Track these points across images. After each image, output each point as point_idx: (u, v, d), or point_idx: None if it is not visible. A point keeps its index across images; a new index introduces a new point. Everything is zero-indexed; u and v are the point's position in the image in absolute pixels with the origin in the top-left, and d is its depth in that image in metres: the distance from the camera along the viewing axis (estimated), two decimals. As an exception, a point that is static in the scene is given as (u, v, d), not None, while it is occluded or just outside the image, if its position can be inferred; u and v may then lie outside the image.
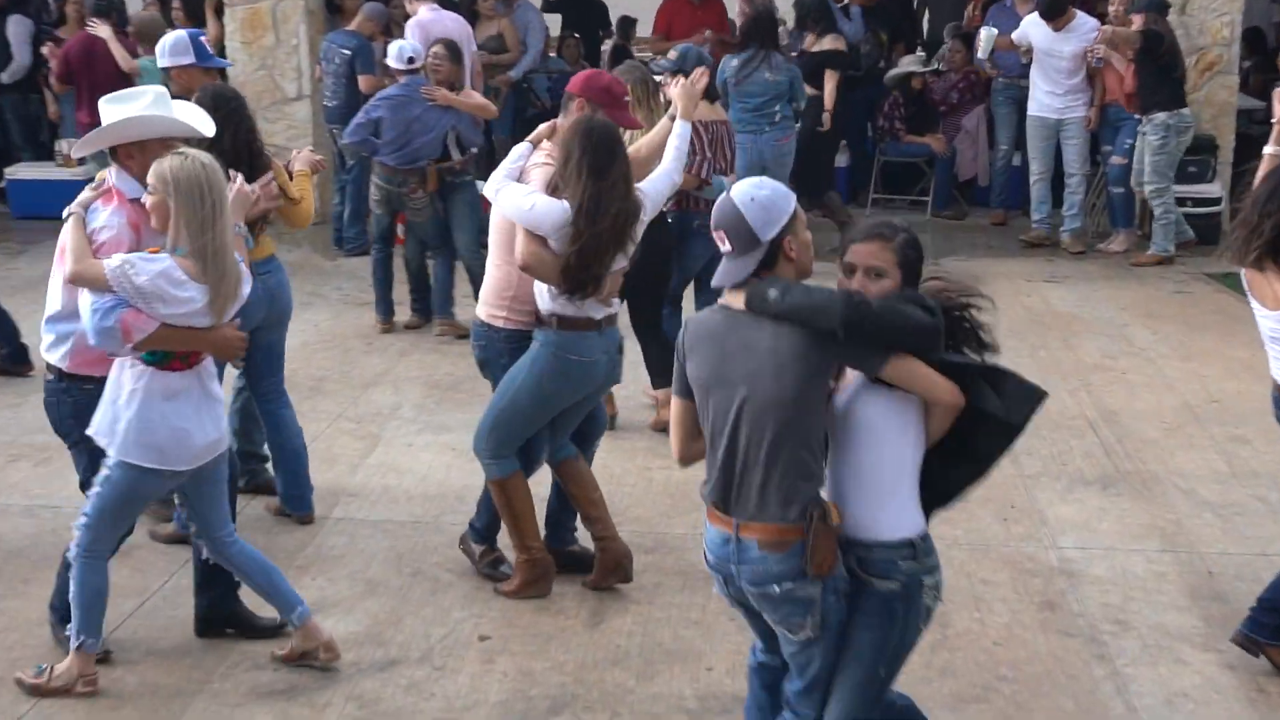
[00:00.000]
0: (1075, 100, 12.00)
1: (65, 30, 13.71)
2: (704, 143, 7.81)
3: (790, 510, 3.98)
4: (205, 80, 6.88)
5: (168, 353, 5.00)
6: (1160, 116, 11.41)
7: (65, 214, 5.15)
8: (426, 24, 11.59)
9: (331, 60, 11.67)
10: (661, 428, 7.44)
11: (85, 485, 5.38)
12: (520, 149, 5.90)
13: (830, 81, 12.05)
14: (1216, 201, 12.12)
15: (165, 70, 7.12)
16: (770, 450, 3.98)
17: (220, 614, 5.69)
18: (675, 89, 6.14)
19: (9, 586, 6.16)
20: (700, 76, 6.30)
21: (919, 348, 3.91)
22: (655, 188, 5.82)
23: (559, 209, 5.46)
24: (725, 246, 4.08)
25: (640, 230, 5.69)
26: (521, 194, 5.59)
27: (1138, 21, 11.56)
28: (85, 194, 5.23)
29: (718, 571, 4.17)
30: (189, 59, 6.98)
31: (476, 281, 8.94)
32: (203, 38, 7.15)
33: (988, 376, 4.04)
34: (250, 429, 6.97)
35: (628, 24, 15.96)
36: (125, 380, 5.04)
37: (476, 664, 5.49)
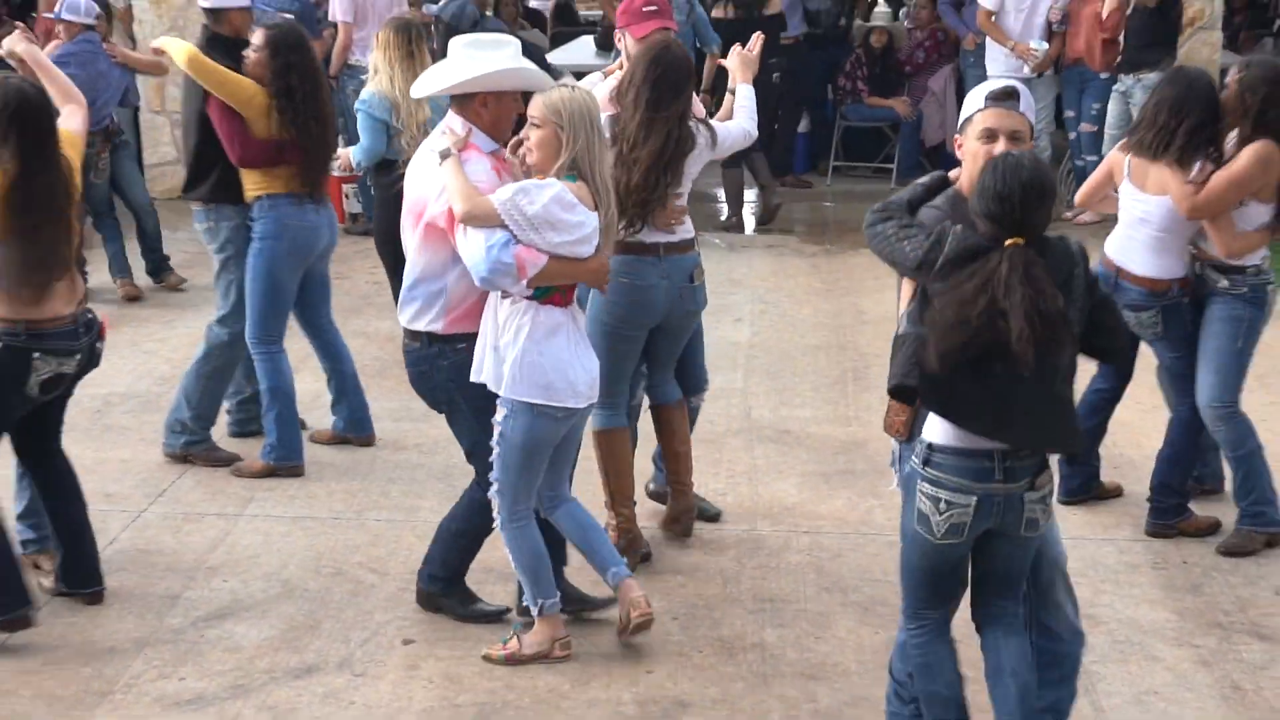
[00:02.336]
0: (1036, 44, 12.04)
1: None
2: None
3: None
4: (248, 19, 7.60)
5: (550, 287, 5.24)
6: (1151, 78, 11.03)
7: (440, 157, 5.30)
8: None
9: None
10: None
11: (472, 453, 5.68)
12: (593, 77, 6.63)
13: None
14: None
15: (215, 11, 7.51)
16: None
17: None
18: (734, 59, 6.60)
19: None
20: (756, 42, 6.74)
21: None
22: (729, 132, 6.34)
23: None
24: None
25: (694, 164, 6.16)
26: None
27: None
28: (444, 140, 5.38)
29: None
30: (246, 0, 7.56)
31: (152, 235, 10.45)
32: None
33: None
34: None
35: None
36: (504, 321, 5.30)
37: (400, 670, 5.50)
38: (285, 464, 7.27)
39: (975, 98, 4.61)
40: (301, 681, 5.43)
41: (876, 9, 14.38)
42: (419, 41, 7.93)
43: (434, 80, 5.61)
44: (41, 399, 5.70)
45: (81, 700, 5.29)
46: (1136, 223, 6.40)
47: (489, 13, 14.42)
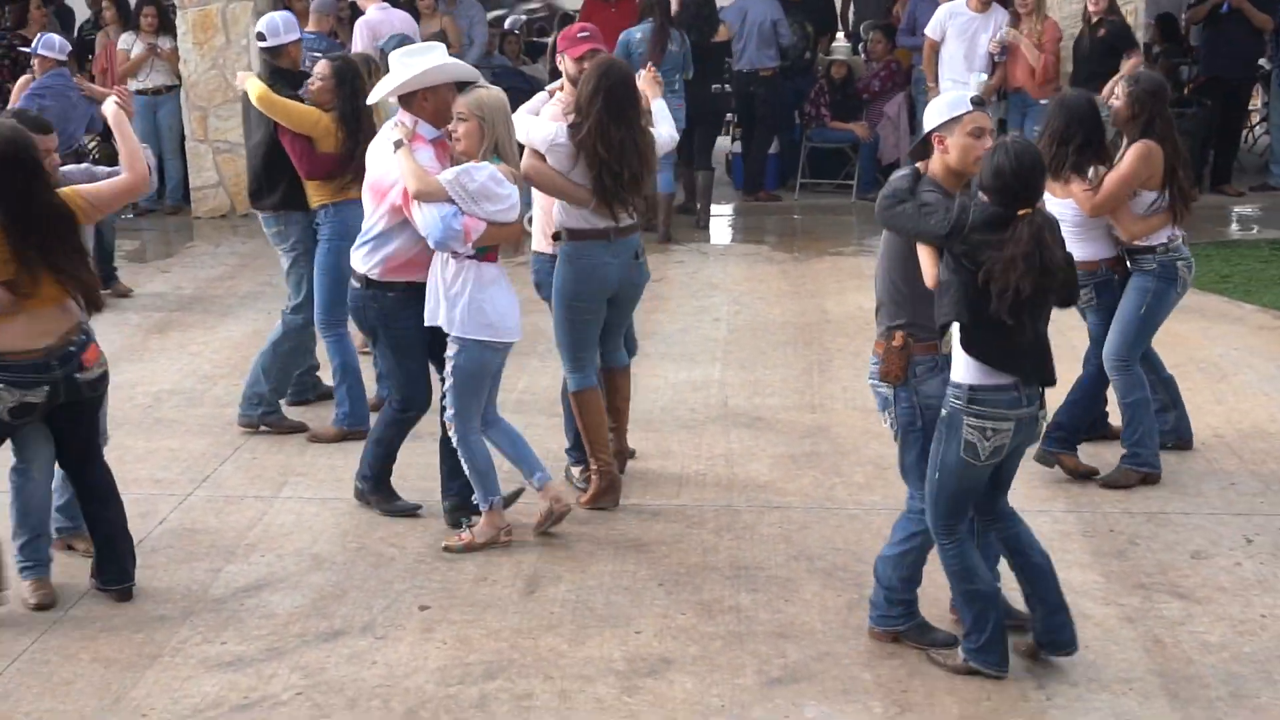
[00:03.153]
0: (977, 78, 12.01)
1: (28, 31, 13.56)
2: None
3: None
4: (300, 51, 8.05)
5: (485, 247, 5.94)
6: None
7: (394, 146, 5.97)
8: (375, 24, 11.52)
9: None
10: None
11: (383, 375, 7.00)
12: (539, 96, 6.80)
13: None
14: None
15: (272, 49, 7.82)
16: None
17: (468, 502, 6.35)
18: (644, 78, 6.79)
19: None
20: (651, 70, 7.08)
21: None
22: (659, 135, 6.62)
23: (549, 129, 6.28)
24: None
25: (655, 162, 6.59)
26: (523, 121, 6.37)
27: (1097, 6, 11.71)
28: (394, 132, 6.03)
29: None
30: (297, 35, 7.94)
31: (108, 248, 10.45)
32: None
33: None
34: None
35: (567, 21, 15.90)
36: (451, 277, 5.97)
37: (416, 633, 5.48)
38: (356, 429, 7.44)
39: (956, 104, 5.04)
40: (329, 644, 5.41)
41: (836, 44, 14.39)
42: (368, 73, 7.89)
43: (382, 88, 6.33)
44: (16, 424, 5.51)
45: (134, 663, 5.27)
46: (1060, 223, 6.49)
47: (496, 50, 14.53)
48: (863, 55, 14.32)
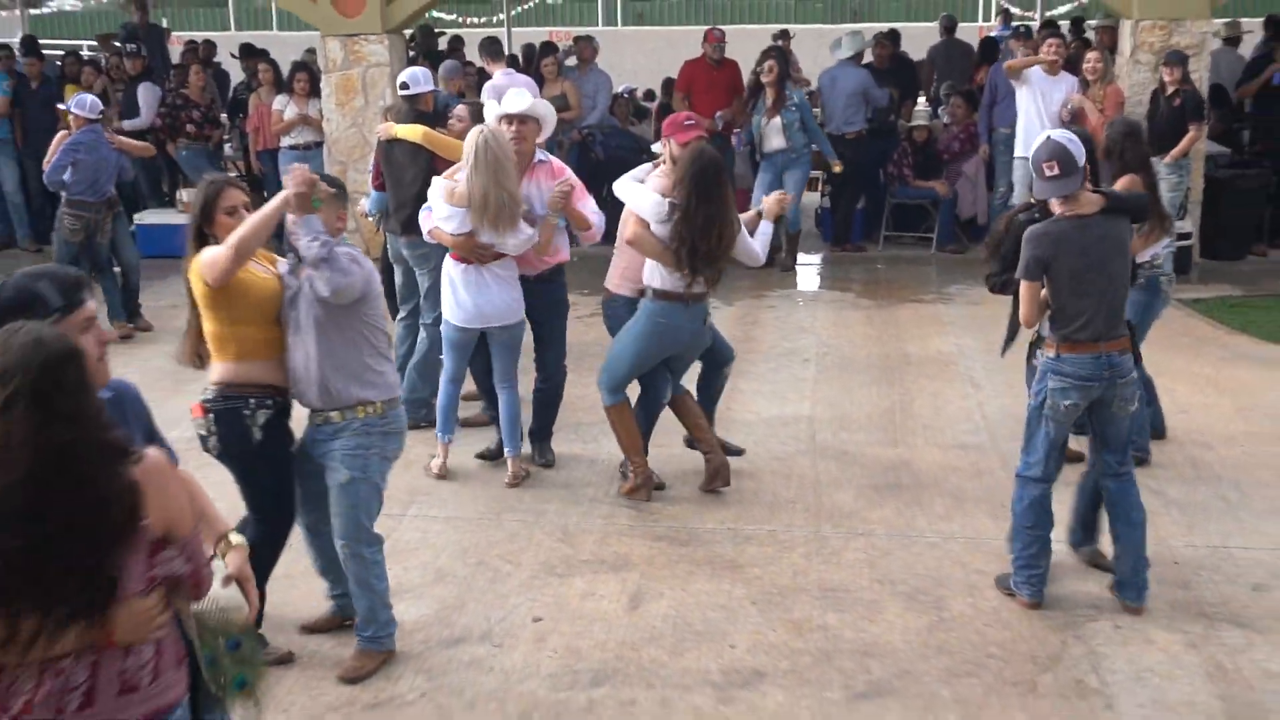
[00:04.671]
0: None
1: (190, 91, 13.87)
2: None
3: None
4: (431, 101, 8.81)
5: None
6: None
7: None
8: (500, 86, 11.63)
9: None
10: None
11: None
12: (644, 166, 7.05)
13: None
14: (1188, 236, 12.00)
15: (413, 96, 8.60)
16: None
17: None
18: (772, 199, 6.97)
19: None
20: (789, 198, 7.27)
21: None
22: (747, 243, 6.74)
23: (654, 200, 6.52)
24: (1054, 171, 5.41)
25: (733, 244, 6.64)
26: (634, 189, 6.69)
27: (1173, 76, 11.57)
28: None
29: (1091, 382, 5.54)
30: (432, 86, 8.82)
31: (134, 288, 10.81)
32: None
33: None
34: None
35: (669, 84, 15.99)
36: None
37: (530, 643, 5.49)
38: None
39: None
40: (451, 651, 5.44)
41: (918, 108, 14.30)
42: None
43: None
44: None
45: (273, 666, 5.33)
46: None
47: (609, 113, 14.61)
48: (945, 118, 14.21)
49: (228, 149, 14.79)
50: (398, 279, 8.54)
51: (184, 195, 13.79)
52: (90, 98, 10.50)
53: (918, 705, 5.00)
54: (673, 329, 6.74)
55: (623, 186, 6.79)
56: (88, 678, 2.98)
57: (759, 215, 6.91)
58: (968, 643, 5.47)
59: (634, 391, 7.11)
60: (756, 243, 6.82)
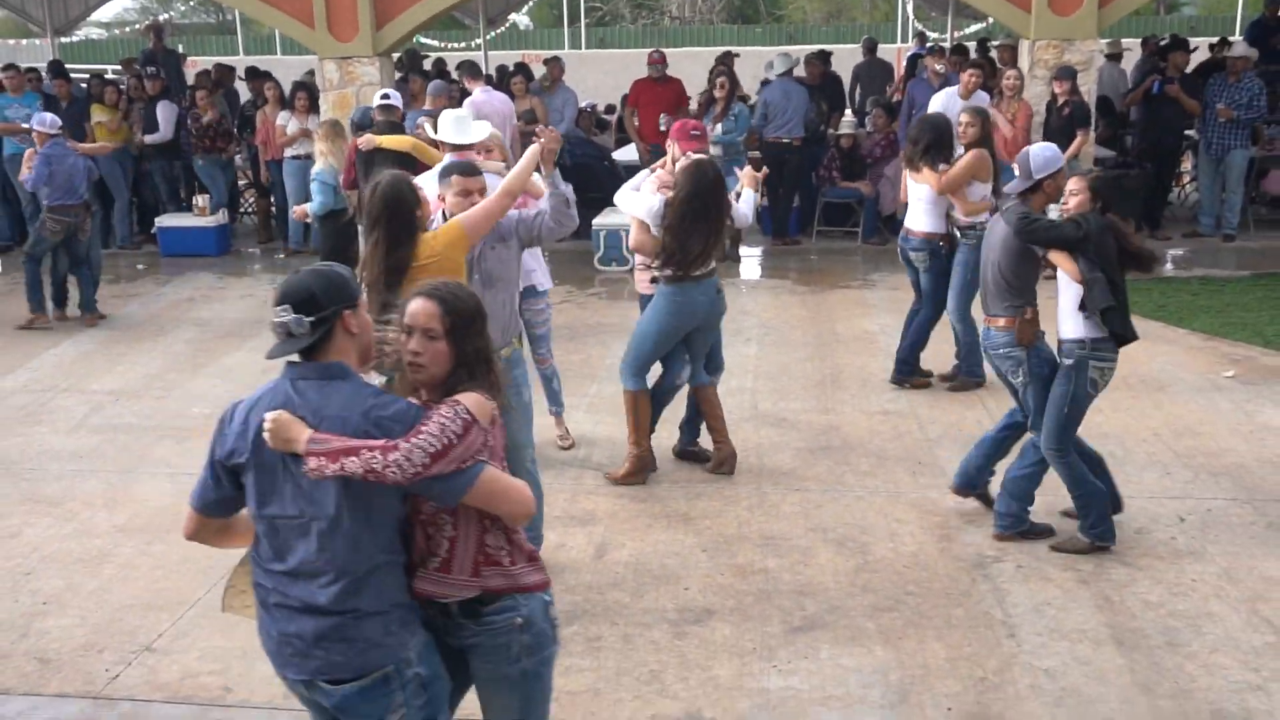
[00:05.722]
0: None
1: (201, 108, 13.74)
2: None
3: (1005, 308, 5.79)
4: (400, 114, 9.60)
5: None
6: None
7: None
8: (480, 103, 11.63)
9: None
10: None
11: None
12: (642, 174, 6.80)
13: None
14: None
15: (391, 108, 9.39)
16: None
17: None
18: (747, 175, 6.92)
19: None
20: (762, 173, 7.14)
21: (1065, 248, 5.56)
22: (743, 214, 6.68)
23: (652, 202, 6.37)
24: (1017, 173, 5.78)
25: (726, 238, 6.50)
26: (632, 198, 6.53)
27: (1063, 89, 11.65)
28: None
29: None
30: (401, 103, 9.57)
31: (95, 283, 10.65)
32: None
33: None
34: None
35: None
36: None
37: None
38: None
39: (1056, 160, 5.78)
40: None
41: (844, 119, 14.32)
42: (341, 133, 9.46)
43: (477, 132, 6.80)
44: None
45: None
46: (916, 200, 8.09)
47: (574, 124, 14.54)
48: (867, 128, 14.23)
49: (239, 159, 14.64)
50: None
51: (200, 201, 13.69)
52: (50, 116, 10.47)
53: (846, 637, 5.03)
54: (688, 304, 6.47)
55: (622, 197, 6.61)
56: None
57: (737, 195, 6.82)
58: (889, 582, 5.51)
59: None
60: (744, 208, 6.72)
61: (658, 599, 5.38)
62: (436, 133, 6.92)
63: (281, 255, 13.44)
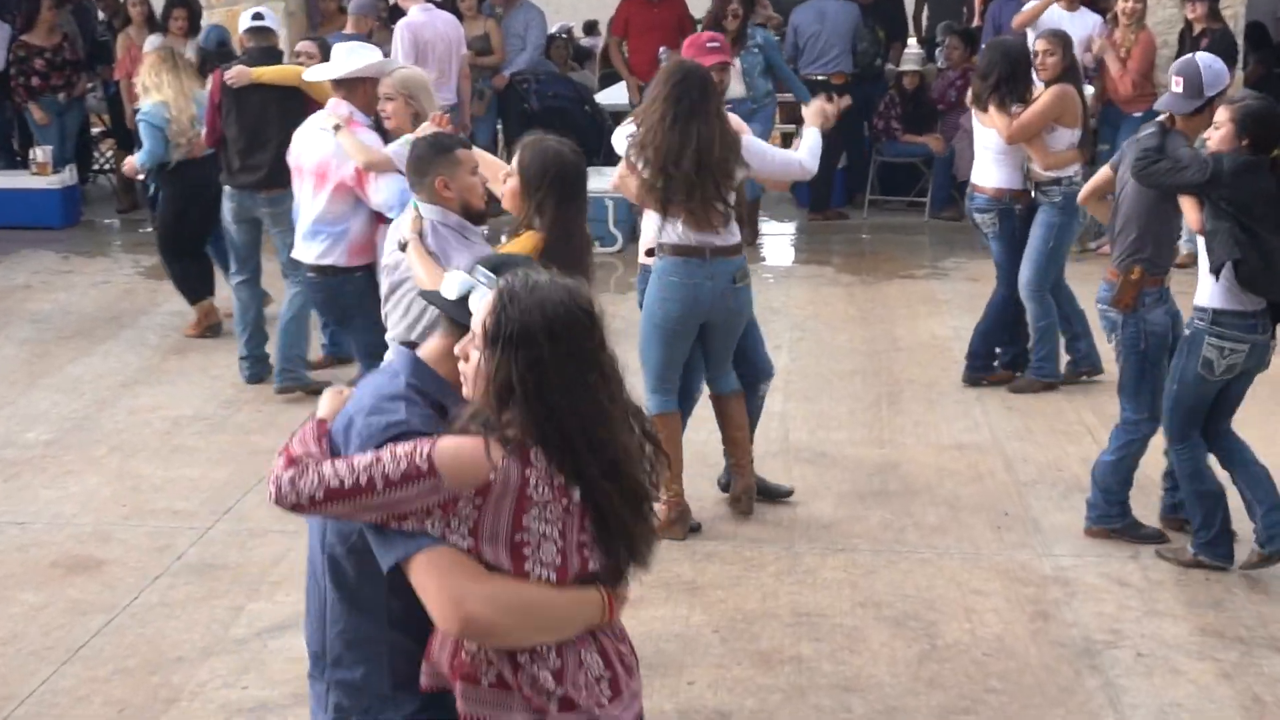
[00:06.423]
0: None
1: (33, 36, 13.70)
2: None
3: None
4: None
5: None
6: None
7: (334, 127, 7.10)
8: (417, 26, 11.59)
9: None
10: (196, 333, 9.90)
11: (367, 355, 6.91)
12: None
13: None
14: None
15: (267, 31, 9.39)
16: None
17: None
18: (814, 104, 7.14)
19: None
20: (841, 101, 7.48)
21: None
22: (770, 155, 6.81)
23: (621, 134, 6.59)
24: (1177, 88, 6.19)
25: (737, 173, 6.50)
26: (622, 132, 6.61)
27: (1198, 13, 11.74)
28: (328, 119, 7.20)
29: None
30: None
31: None
32: None
33: None
34: None
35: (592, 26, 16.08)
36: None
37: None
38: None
39: (1223, 76, 6.27)
40: (358, 690, 5.42)
41: (908, 50, 14.35)
42: (181, 60, 9.63)
43: (330, 70, 7.31)
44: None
45: (149, 707, 5.31)
46: (983, 149, 8.52)
47: (544, 55, 14.57)
48: (938, 63, 14.28)
49: (91, 99, 14.63)
50: (237, 238, 9.03)
51: (38, 154, 13.63)
52: None
53: (907, 748, 5.05)
54: (689, 289, 6.46)
55: (621, 142, 6.66)
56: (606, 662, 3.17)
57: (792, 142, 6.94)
58: (964, 675, 5.52)
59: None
60: (800, 151, 6.79)
61: (652, 697, 5.37)
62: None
63: (149, 227, 13.43)
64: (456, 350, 3.08)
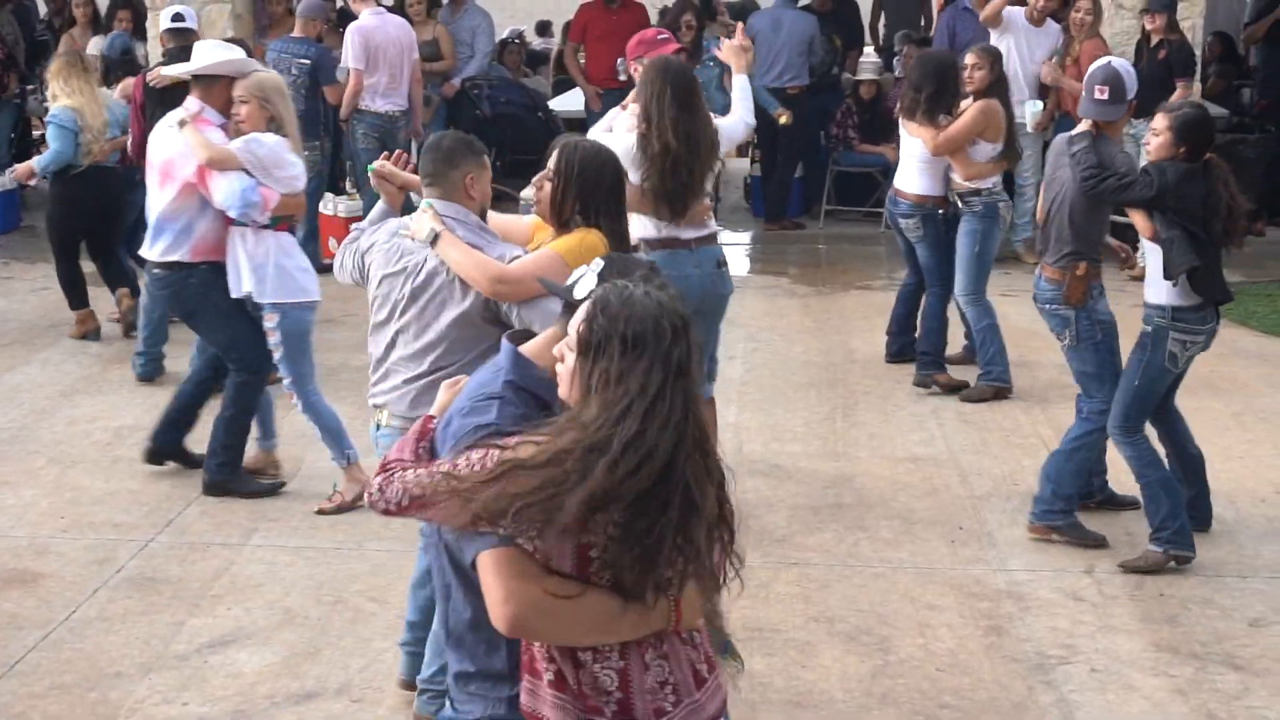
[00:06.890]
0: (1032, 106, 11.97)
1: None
2: None
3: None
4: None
5: (279, 217, 6.92)
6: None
7: (179, 123, 6.97)
8: (368, 30, 11.57)
9: (287, 71, 11.19)
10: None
11: (228, 349, 7.21)
12: (612, 111, 7.05)
13: None
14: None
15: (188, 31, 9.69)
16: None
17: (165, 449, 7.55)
18: (726, 47, 7.31)
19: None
20: (740, 33, 7.47)
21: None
22: (731, 126, 6.98)
23: (623, 145, 6.33)
24: (1102, 96, 6.47)
25: (716, 164, 6.82)
26: (604, 139, 6.40)
27: (1156, 24, 11.73)
28: (183, 114, 7.05)
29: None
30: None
31: None
32: None
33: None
34: None
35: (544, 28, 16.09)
36: (252, 248, 6.91)
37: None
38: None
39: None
40: (302, 707, 5.41)
41: (864, 59, 14.40)
42: (88, 66, 9.66)
43: (186, 66, 7.30)
44: None
45: (87, 724, 5.28)
46: (909, 157, 8.89)
47: (496, 60, 14.54)
48: (895, 72, 14.34)
49: (32, 101, 14.52)
50: None
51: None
52: None
53: (859, 765, 5.06)
54: (679, 281, 6.19)
55: (596, 134, 6.67)
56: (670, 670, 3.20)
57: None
58: (918, 691, 5.53)
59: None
60: (738, 110, 7.01)
61: (602, 712, 5.37)
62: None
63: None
64: (555, 351, 3.15)
